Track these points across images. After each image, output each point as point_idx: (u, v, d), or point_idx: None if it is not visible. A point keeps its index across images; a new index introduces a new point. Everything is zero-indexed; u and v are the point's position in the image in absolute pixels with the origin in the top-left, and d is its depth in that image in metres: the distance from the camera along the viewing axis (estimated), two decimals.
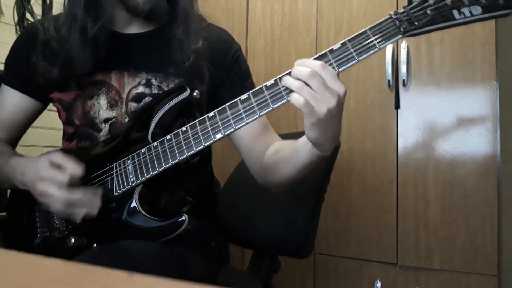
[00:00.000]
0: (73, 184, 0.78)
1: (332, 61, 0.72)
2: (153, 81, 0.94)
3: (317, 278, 1.82)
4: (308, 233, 1.09)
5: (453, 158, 1.59)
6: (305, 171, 0.85)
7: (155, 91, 0.94)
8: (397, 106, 1.69)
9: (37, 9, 1.96)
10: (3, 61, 1.59)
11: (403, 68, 1.66)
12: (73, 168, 0.79)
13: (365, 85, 1.75)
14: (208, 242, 0.98)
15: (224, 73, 0.98)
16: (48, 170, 0.78)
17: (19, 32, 1.88)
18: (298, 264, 1.80)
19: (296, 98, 0.70)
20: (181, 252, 0.84)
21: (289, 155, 0.85)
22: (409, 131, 1.67)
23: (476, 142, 1.56)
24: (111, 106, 0.94)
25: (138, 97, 0.93)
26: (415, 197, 1.64)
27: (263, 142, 0.96)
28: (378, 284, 1.67)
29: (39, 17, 1.95)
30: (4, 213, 1.00)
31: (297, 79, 0.70)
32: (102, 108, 0.94)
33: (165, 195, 0.92)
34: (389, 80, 1.69)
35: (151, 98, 0.93)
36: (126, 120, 0.93)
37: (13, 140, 1.03)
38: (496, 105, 1.54)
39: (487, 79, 1.55)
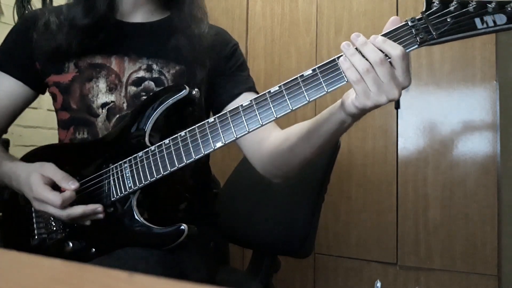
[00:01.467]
0: (67, 203, 0.78)
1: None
2: (154, 66, 0.94)
3: (317, 278, 1.82)
4: (308, 233, 1.09)
5: (453, 158, 1.59)
6: (322, 145, 0.80)
7: (156, 75, 0.94)
8: (397, 106, 1.69)
9: None
10: None
11: None
12: (66, 185, 0.78)
13: None
14: (206, 242, 0.98)
15: (222, 65, 0.99)
16: (40, 190, 0.78)
17: None
18: (298, 264, 1.80)
19: (352, 76, 0.65)
20: (179, 257, 0.83)
21: (308, 129, 0.80)
22: (409, 131, 1.67)
23: (476, 142, 1.56)
24: (110, 89, 0.93)
25: (138, 81, 0.93)
26: (415, 197, 1.64)
27: (265, 132, 0.92)
28: (378, 284, 1.67)
29: None
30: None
31: (367, 60, 0.64)
32: (101, 92, 0.93)
33: (163, 192, 0.92)
34: None
35: (151, 82, 0.93)
36: (125, 105, 0.92)
37: (2, 127, 1.02)
38: (496, 105, 1.54)
39: (487, 79, 1.56)
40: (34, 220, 0.89)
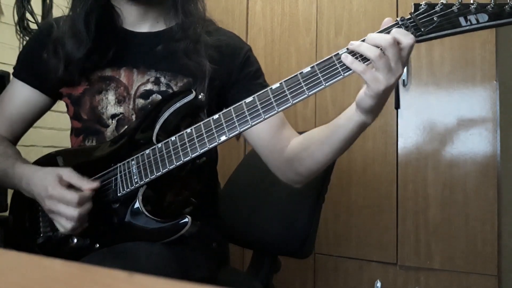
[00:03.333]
0: (85, 202, 0.79)
1: (338, 65, 0.73)
2: (162, 79, 0.95)
3: (317, 278, 1.82)
4: (308, 233, 1.09)
5: (453, 158, 1.59)
6: (342, 149, 0.83)
7: (163, 88, 0.95)
8: (397, 106, 1.69)
9: (37, 9, 1.96)
10: (3, 61, 1.59)
11: None
12: (84, 185, 0.80)
13: None
14: (209, 243, 0.99)
15: (235, 74, 0.99)
16: (57, 189, 0.79)
17: (19, 32, 1.88)
18: (298, 264, 1.80)
19: (358, 67, 0.70)
20: (182, 253, 0.84)
21: (326, 135, 0.84)
22: (409, 131, 1.67)
23: (476, 142, 1.56)
24: (119, 102, 0.95)
25: (146, 94, 0.94)
26: (415, 197, 1.64)
27: (283, 136, 0.94)
28: (378, 284, 1.67)
29: (39, 17, 1.95)
30: (4, 213, 1.00)
31: (375, 45, 0.70)
32: (110, 104, 0.95)
33: (170, 195, 0.93)
34: None
35: (158, 95, 0.94)
36: (133, 116, 0.94)
37: (17, 135, 1.04)
38: (496, 105, 1.54)
39: (487, 79, 1.55)
40: (40, 218, 0.91)
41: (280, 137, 0.94)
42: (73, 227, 0.79)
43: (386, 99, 0.75)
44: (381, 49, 0.69)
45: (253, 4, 2.06)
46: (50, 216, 0.82)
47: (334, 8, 1.85)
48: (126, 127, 0.94)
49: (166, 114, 0.86)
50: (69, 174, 0.81)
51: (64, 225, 0.79)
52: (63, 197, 0.78)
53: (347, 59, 0.71)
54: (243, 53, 1.02)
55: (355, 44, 0.71)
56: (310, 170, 0.89)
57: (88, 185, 0.80)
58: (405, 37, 0.69)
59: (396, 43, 0.69)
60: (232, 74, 0.99)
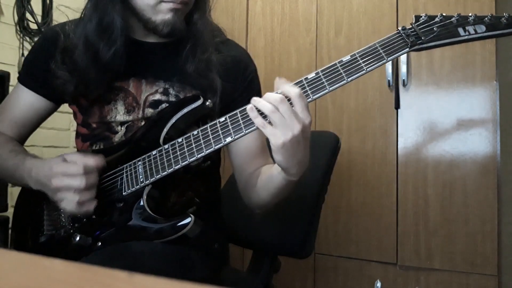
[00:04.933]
0: (89, 173, 0.81)
1: (342, 71, 0.74)
2: (171, 90, 0.95)
3: (317, 278, 1.82)
4: (308, 233, 1.09)
5: (453, 158, 1.59)
6: (276, 197, 0.88)
7: (172, 99, 0.95)
8: (397, 106, 1.69)
9: (37, 9, 1.96)
10: (3, 61, 1.60)
11: (403, 68, 1.67)
12: (88, 159, 0.81)
13: (365, 85, 1.75)
14: (211, 243, 0.99)
15: (238, 92, 0.99)
16: (60, 165, 0.81)
17: (19, 32, 1.88)
18: (298, 264, 1.80)
19: (259, 122, 0.73)
20: (184, 253, 0.84)
21: (266, 179, 0.89)
22: (409, 131, 1.67)
23: (476, 142, 1.56)
24: (128, 111, 0.95)
25: (155, 104, 0.95)
26: (415, 197, 1.64)
27: (255, 165, 0.98)
28: (378, 284, 1.67)
29: (39, 17, 1.95)
30: (4, 213, 1.00)
31: (269, 102, 0.73)
32: (119, 113, 0.95)
33: (174, 196, 0.94)
34: (389, 80, 1.69)
35: (167, 105, 0.94)
36: (142, 123, 0.95)
37: (22, 138, 1.05)
38: (496, 105, 1.54)
39: (487, 79, 1.56)
40: (44, 217, 0.91)
41: (252, 164, 0.97)
42: (80, 199, 0.79)
43: (297, 155, 0.75)
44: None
45: (253, 4, 2.06)
46: (56, 198, 0.82)
47: (334, 8, 1.85)
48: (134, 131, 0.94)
49: (173, 120, 0.87)
50: (73, 154, 0.83)
51: (71, 199, 0.79)
52: (67, 170, 0.80)
53: (252, 113, 0.74)
54: (247, 73, 1.02)
55: (256, 100, 0.74)
56: (259, 203, 0.94)
57: (92, 158, 0.82)
58: (291, 89, 0.72)
59: (285, 99, 0.71)
60: (235, 92, 0.99)
